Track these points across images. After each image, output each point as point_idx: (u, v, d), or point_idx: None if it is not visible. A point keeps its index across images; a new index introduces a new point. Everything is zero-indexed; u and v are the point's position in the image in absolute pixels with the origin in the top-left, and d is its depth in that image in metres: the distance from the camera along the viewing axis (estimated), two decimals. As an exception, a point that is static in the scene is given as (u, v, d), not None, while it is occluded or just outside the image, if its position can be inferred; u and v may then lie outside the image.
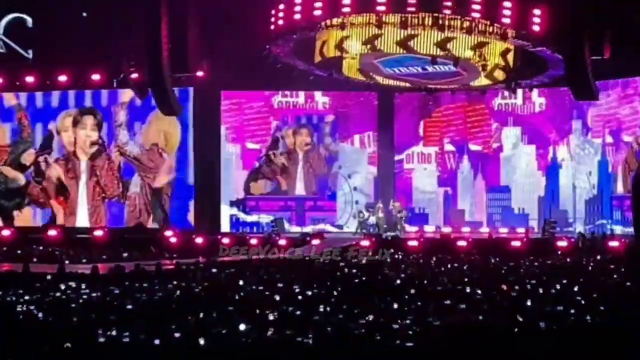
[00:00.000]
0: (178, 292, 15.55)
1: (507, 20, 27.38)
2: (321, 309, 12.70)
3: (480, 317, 12.06)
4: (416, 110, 36.44)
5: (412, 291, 15.32)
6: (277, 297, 14.41)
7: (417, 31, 27.70)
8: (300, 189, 36.09)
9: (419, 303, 13.51)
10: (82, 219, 35.95)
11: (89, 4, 32.85)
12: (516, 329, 10.64)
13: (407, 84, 32.78)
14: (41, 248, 28.81)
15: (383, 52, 28.93)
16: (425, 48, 28.22)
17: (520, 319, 11.53)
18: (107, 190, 35.89)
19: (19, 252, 27.66)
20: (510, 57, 29.39)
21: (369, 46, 28.58)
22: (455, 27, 27.60)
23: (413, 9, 27.27)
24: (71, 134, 36.09)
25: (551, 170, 35.50)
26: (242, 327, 11.13)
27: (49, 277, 18.58)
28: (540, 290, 15.21)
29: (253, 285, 16.44)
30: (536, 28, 27.42)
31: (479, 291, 15.12)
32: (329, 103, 36.30)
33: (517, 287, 15.72)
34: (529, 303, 13.80)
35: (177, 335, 10.55)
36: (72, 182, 36.07)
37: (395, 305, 13.37)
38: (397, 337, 10.45)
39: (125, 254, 26.57)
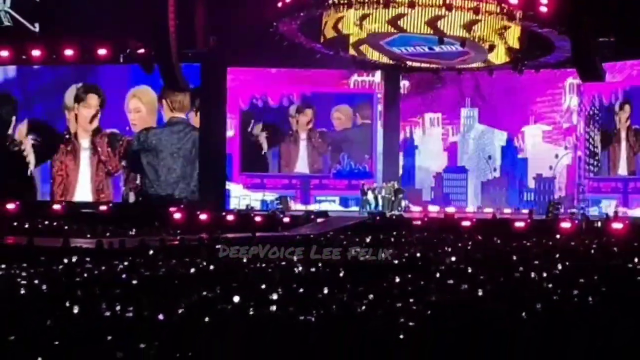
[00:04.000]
0: (182, 268, 15.58)
1: (514, 1, 27.31)
2: (324, 288, 12.71)
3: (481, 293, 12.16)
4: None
5: (416, 270, 15.36)
6: (280, 275, 14.46)
7: (444, 12, 27.62)
8: (303, 167, 35.96)
9: (422, 282, 13.55)
10: (85, 195, 35.90)
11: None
12: (517, 309, 10.67)
13: (413, 64, 32.75)
14: (46, 222, 28.81)
15: (407, 32, 28.88)
16: (453, 29, 28.19)
17: (522, 300, 11.56)
18: (109, 166, 35.76)
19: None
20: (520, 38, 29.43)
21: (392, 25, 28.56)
22: (462, 7, 27.56)
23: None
24: (74, 111, 35.98)
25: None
26: (235, 299, 11.21)
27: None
28: (543, 272, 15.21)
29: (257, 263, 16.49)
30: (543, 9, 27.35)
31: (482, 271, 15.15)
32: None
33: (520, 268, 15.74)
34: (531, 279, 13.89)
35: (180, 311, 10.60)
36: (72, 162, 35.97)
37: (398, 284, 13.42)
38: (400, 315, 10.47)
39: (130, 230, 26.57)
